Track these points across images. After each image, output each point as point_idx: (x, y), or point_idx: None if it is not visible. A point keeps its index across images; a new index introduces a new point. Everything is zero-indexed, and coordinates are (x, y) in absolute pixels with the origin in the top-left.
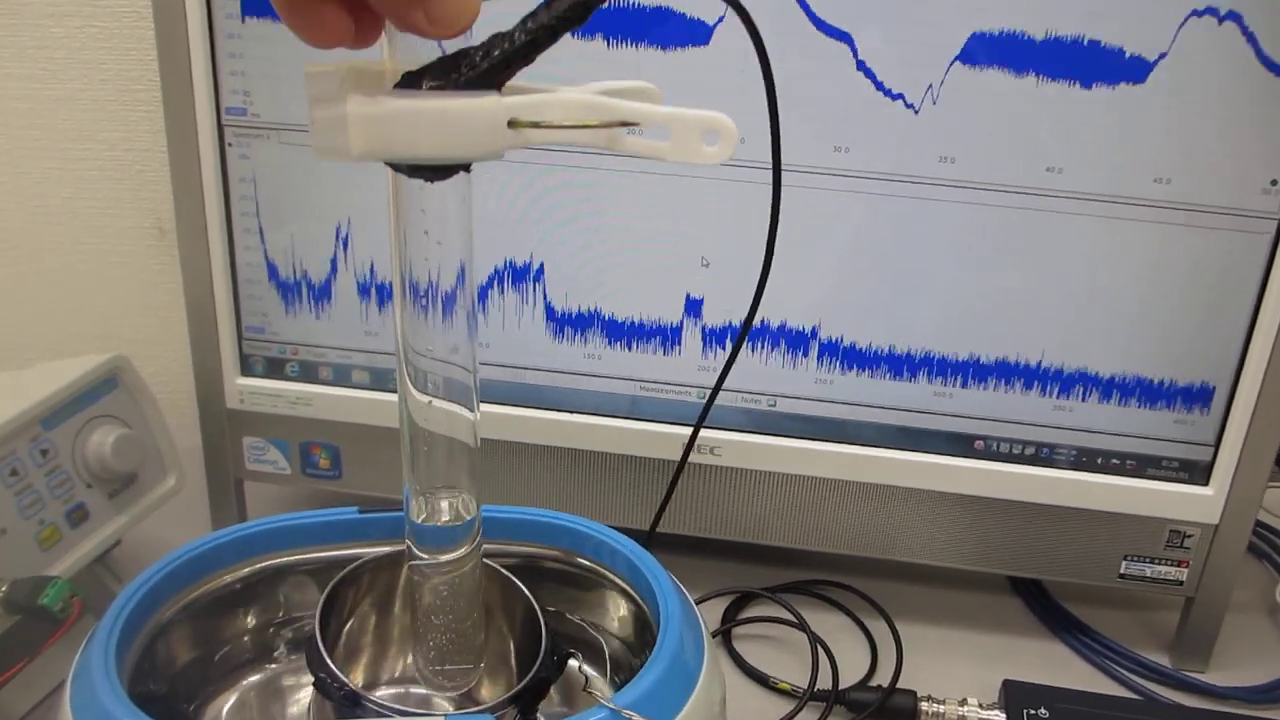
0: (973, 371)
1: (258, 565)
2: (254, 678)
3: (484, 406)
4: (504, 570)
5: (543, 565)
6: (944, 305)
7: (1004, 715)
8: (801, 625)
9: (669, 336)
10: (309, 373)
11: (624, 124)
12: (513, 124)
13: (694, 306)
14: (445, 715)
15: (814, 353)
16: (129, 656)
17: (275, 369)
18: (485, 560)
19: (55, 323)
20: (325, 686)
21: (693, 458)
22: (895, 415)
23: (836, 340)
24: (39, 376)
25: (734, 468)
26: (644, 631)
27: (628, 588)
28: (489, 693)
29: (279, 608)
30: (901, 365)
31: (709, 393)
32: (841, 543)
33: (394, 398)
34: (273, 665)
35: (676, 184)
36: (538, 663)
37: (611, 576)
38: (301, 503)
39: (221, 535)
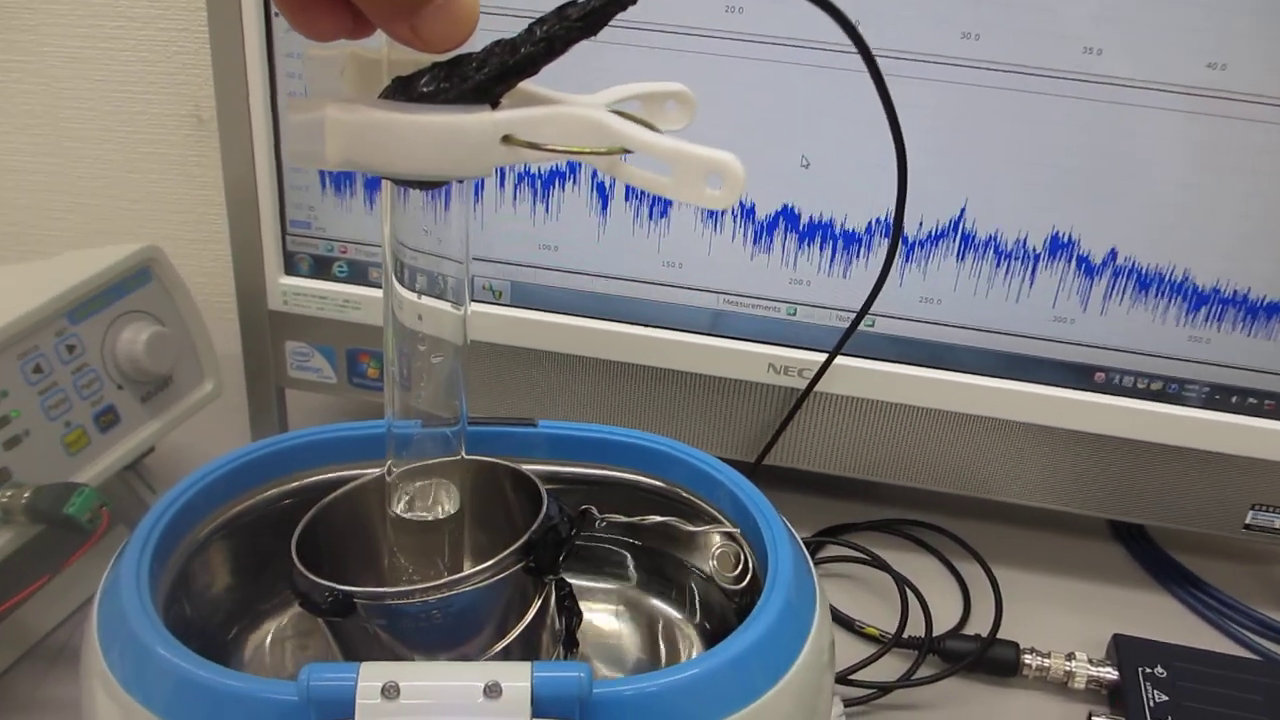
0: (1102, 291)
1: (307, 480)
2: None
3: (549, 316)
4: (490, 459)
5: (627, 492)
6: (1066, 210)
7: (1116, 672)
8: (885, 567)
9: (759, 243)
10: (359, 273)
11: (626, 151)
12: (507, 140)
13: (789, 212)
14: (448, 580)
15: (920, 263)
16: (163, 576)
17: (322, 268)
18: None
19: (81, 217)
20: (309, 602)
21: (774, 379)
22: (1007, 341)
23: (943, 247)
24: (64, 266)
25: (820, 392)
26: (741, 572)
27: (726, 523)
28: None
29: None
30: (1017, 279)
31: (835, 312)
32: (931, 478)
33: (450, 307)
34: None
35: (779, 72)
36: (541, 514)
37: (709, 509)
38: (347, 414)
39: (267, 445)
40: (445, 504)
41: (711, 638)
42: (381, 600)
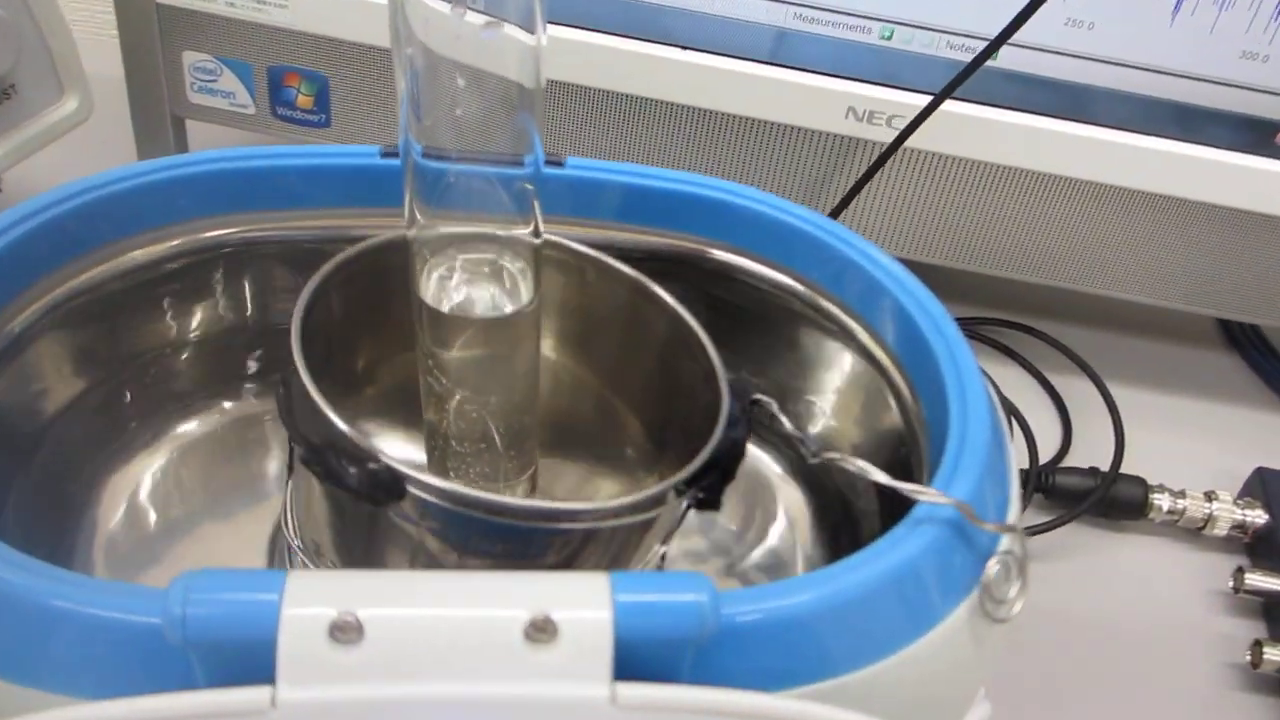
0: None
1: (206, 235)
2: (190, 427)
3: (549, 29)
4: (640, 276)
5: (714, 283)
6: None
7: (1265, 514)
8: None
9: None
10: None
11: None
12: None
13: None
14: (570, 508)
15: None
16: None
17: None
18: (610, 261)
19: None
20: (325, 467)
21: (853, 129)
22: (1173, 85)
23: None
24: None
25: (912, 148)
26: (878, 416)
27: (871, 344)
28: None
29: (237, 310)
30: None
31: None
32: (1028, 267)
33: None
34: (227, 406)
35: None
36: (721, 420)
37: (850, 324)
38: None
39: (143, 171)
40: (514, 290)
41: (822, 506)
42: (450, 501)
